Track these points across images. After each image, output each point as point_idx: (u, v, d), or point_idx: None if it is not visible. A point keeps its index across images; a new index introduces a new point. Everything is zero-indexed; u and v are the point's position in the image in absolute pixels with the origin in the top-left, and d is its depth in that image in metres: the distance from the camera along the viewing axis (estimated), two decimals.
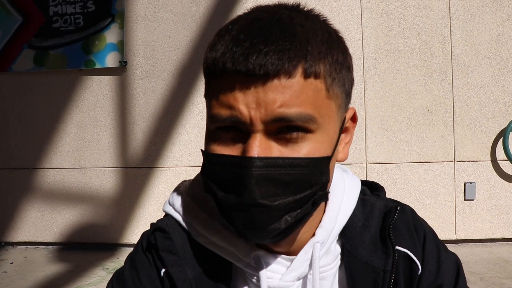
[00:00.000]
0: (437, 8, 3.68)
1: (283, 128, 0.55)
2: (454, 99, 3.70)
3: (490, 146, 3.70)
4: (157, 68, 3.87)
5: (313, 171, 0.56)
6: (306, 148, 0.55)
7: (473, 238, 3.73)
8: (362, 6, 3.72)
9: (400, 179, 3.73)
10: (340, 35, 0.62)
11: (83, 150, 3.98)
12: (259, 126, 0.54)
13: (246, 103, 0.53)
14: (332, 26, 0.62)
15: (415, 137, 3.73)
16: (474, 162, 3.71)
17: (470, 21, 3.67)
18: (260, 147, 0.54)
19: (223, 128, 0.57)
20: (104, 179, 3.95)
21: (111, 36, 3.86)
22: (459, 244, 3.71)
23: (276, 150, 0.55)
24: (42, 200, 4.03)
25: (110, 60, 3.87)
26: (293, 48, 0.53)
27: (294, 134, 0.55)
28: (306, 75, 0.54)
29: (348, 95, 0.62)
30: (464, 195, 3.72)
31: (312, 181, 0.56)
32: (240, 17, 0.60)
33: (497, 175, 3.71)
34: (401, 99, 3.73)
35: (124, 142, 3.93)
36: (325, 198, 0.60)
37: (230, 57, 0.54)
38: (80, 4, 3.90)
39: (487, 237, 3.72)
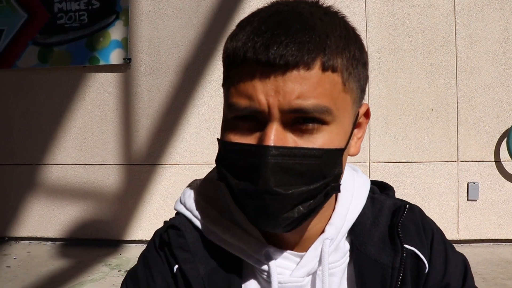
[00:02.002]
0: (442, 7, 3.67)
1: (299, 119, 0.56)
2: (458, 98, 3.69)
3: (494, 146, 3.69)
4: (161, 65, 3.87)
5: (326, 162, 0.57)
6: (321, 139, 0.56)
7: (475, 238, 3.72)
8: (367, 5, 3.71)
9: (403, 178, 3.73)
10: (357, 32, 0.64)
11: (86, 147, 3.99)
12: (276, 114, 0.55)
13: (265, 92, 0.54)
14: (350, 23, 0.63)
15: (418, 137, 3.72)
16: (477, 162, 3.70)
17: (475, 21, 3.65)
18: (276, 136, 0.55)
19: (241, 117, 0.58)
20: (107, 176, 3.97)
21: (115, 33, 3.87)
22: (462, 244, 3.70)
23: (292, 141, 0.56)
24: (45, 196, 4.05)
25: (114, 57, 3.88)
26: (312, 41, 0.54)
27: (310, 126, 0.56)
28: (324, 68, 0.55)
29: (362, 91, 0.64)
30: (467, 195, 3.71)
31: (325, 172, 0.57)
32: (261, 10, 0.62)
33: (500, 176, 3.70)
34: (405, 98, 3.72)
35: (128, 139, 3.94)
36: (337, 190, 0.61)
37: (251, 47, 0.55)
38: (85, 1, 3.91)
39: (490, 238, 3.71)
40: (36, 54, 3.98)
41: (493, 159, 3.69)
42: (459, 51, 3.67)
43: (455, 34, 3.66)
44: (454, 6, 3.66)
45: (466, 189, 3.71)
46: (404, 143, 3.73)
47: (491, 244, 3.72)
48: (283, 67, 0.54)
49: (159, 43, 3.87)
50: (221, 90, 0.64)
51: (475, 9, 3.65)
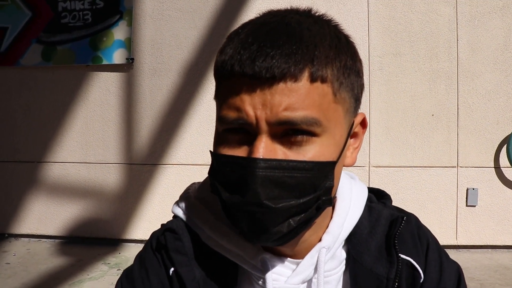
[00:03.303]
0: (444, 13, 3.68)
1: (288, 131, 0.55)
2: (459, 104, 3.70)
3: (494, 152, 3.70)
4: (164, 66, 3.89)
5: (317, 175, 0.56)
6: (311, 151, 0.56)
7: (474, 244, 3.73)
8: (369, 10, 3.72)
9: (402, 183, 3.74)
10: (351, 40, 0.63)
11: (88, 145, 4.01)
12: (264, 126, 0.54)
13: (252, 105, 0.54)
14: (342, 31, 0.62)
15: (418, 142, 3.73)
16: (477, 168, 3.71)
17: (477, 27, 3.66)
18: (265, 148, 0.54)
19: (231, 130, 0.58)
20: (108, 175, 3.98)
21: (118, 33, 3.89)
22: (460, 250, 3.71)
23: (281, 153, 0.55)
24: (46, 193, 4.06)
25: (117, 56, 3.89)
26: (299, 52, 0.54)
27: (299, 137, 0.55)
28: (313, 79, 0.54)
29: (357, 100, 0.63)
30: (466, 201, 3.71)
31: (316, 185, 0.56)
32: (250, 21, 0.61)
33: (500, 182, 3.71)
34: (406, 103, 3.73)
35: (129, 138, 3.96)
36: (329, 203, 0.60)
37: (238, 60, 0.55)
38: (89, 0, 3.93)
39: (488, 244, 3.72)
40: (39, 52, 3.99)
41: (493, 165, 3.70)
42: (460, 57, 3.68)
43: (457, 40, 3.68)
44: (456, 13, 3.67)
45: (465, 194, 3.71)
46: (404, 147, 3.74)
47: (490, 250, 3.72)
48: (270, 80, 0.53)
49: (162, 43, 3.89)
50: None
51: (477, 15, 3.66)
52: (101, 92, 3.98)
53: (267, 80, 0.53)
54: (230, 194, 0.57)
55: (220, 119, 0.58)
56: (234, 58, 0.55)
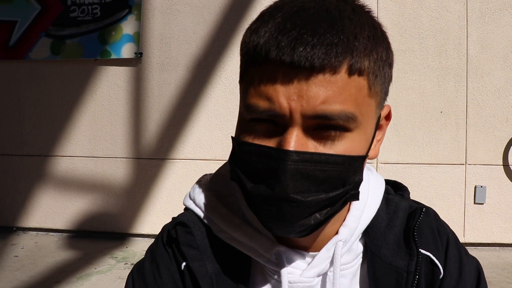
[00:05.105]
0: (454, 9, 3.67)
1: (321, 125, 0.53)
2: (467, 101, 3.68)
3: (502, 150, 3.68)
4: (172, 60, 3.89)
5: (348, 169, 0.55)
6: (343, 147, 0.54)
7: (481, 242, 3.72)
8: (379, 6, 3.71)
9: (410, 180, 3.73)
10: (384, 29, 0.60)
11: (96, 140, 4.02)
12: (298, 119, 0.52)
13: (287, 95, 0.51)
14: (376, 19, 0.59)
15: (427, 139, 3.72)
16: (485, 166, 3.70)
17: (487, 24, 3.64)
18: (297, 142, 0.52)
19: (258, 119, 0.55)
20: (115, 169, 3.99)
21: (127, 27, 3.89)
22: (468, 247, 3.69)
23: (312, 147, 0.53)
24: (54, 187, 4.08)
25: (126, 51, 3.90)
26: (340, 43, 0.51)
27: (332, 133, 0.53)
28: (351, 72, 0.52)
29: (386, 93, 0.60)
30: (474, 199, 3.70)
31: (345, 180, 0.55)
32: (284, 3, 0.57)
33: (508, 180, 3.69)
34: (414, 100, 3.72)
35: (137, 133, 3.96)
36: (356, 197, 0.59)
37: (275, 46, 0.51)
38: None
39: (496, 242, 3.71)
40: (48, 46, 4.00)
41: (501, 163, 3.69)
42: (470, 54, 3.66)
43: (467, 37, 3.66)
44: (467, 9, 3.65)
45: (473, 192, 3.70)
46: (412, 144, 3.73)
47: (497, 248, 3.71)
48: (308, 70, 0.50)
49: (171, 38, 3.89)
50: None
51: (488, 12, 3.64)
52: (109, 86, 3.99)
53: (305, 70, 0.51)
54: (255, 184, 0.55)
55: (247, 107, 0.55)
56: (271, 43, 0.52)
